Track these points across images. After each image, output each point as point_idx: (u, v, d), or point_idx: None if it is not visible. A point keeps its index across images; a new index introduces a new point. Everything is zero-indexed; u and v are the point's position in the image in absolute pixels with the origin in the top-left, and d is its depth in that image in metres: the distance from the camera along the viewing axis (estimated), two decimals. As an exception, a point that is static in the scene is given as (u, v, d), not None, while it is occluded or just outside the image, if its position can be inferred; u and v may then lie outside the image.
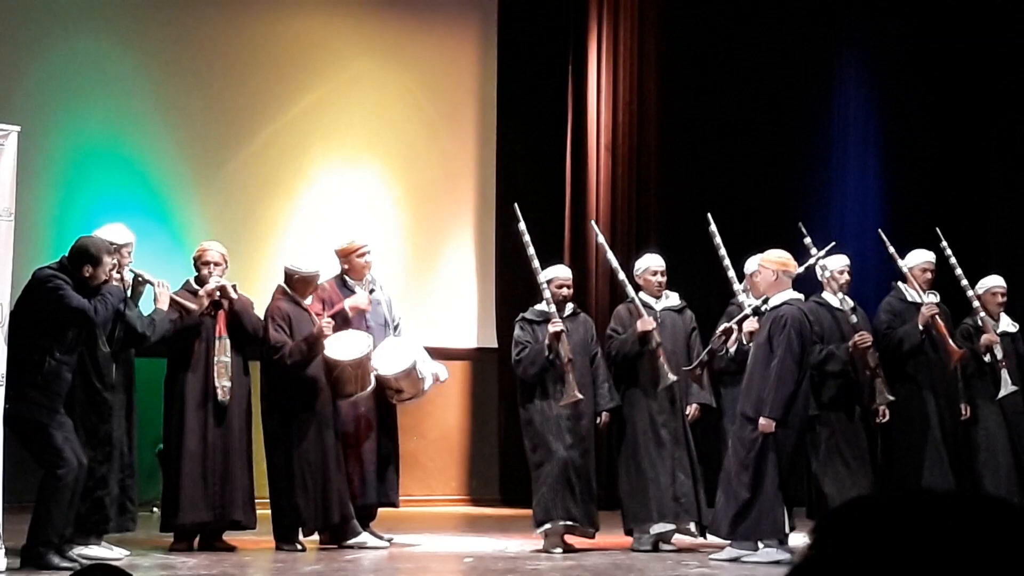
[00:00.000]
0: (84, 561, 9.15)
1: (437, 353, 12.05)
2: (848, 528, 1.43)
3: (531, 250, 11.29)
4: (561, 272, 11.57)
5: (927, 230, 12.55)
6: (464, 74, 15.30)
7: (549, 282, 11.29)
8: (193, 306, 10.77)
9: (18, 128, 9.65)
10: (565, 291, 11.35)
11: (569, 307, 11.39)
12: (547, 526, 11.02)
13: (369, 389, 11.06)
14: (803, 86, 15.43)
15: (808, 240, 11.49)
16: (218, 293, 10.86)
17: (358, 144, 14.78)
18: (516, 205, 11.56)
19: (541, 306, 11.30)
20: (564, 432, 11.06)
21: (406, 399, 11.42)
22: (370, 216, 14.44)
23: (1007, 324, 12.19)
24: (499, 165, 15.21)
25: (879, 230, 12.14)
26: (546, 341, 11.04)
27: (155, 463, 12.17)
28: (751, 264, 11.48)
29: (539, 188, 14.98)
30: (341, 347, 10.96)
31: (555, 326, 11.05)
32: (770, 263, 10.88)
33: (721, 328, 11.12)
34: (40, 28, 13.40)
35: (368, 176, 14.81)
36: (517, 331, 11.29)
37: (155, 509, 11.97)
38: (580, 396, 10.95)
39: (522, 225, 11.36)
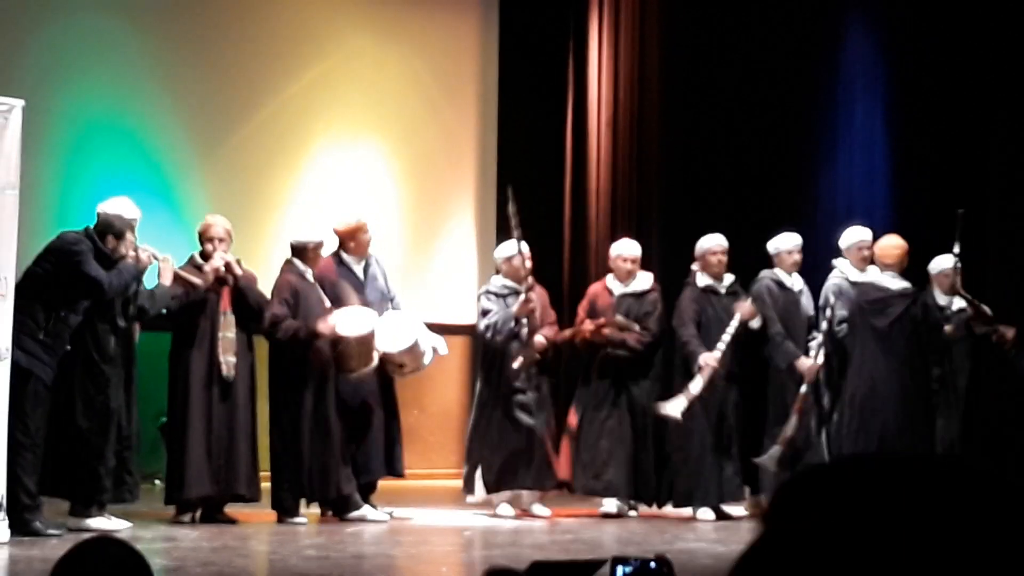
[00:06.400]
0: (86, 533, 9.20)
1: (437, 328, 12.10)
2: (802, 500, 1.37)
3: (517, 232, 11.76)
4: (523, 247, 11.95)
5: (934, 198, 12.54)
6: (465, 50, 15.30)
7: (509, 258, 11.82)
8: (199, 281, 10.81)
9: (22, 102, 9.68)
10: (527, 263, 11.77)
11: (529, 280, 11.81)
12: (503, 493, 11.62)
13: (372, 366, 11.10)
14: (807, 56, 15.35)
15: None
16: (223, 269, 10.90)
17: (360, 119, 14.78)
18: (510, 188, 11.81)
19: (502, 279, 11.86)
20: (521, 402, 11.57)
21: (408, 373, 11.49)
22: (371, 192, 14.46)
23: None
24: (500, 141, 15.23)
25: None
26: (514, 309, 11.57)
27: (158, 436, 12.21)
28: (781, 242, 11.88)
29: (540, 164, 15.01)
30: (346, 323, 11.01)
31: (531, 301, 11.62)
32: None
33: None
34: (43, 1, 13.39)
35: (370, 151, 14.82)
36: (484, 303, 11.82)
37: (157, 481, 12.01)
38: (537, 357, 11.51)
39: (512, 207, 11.67)
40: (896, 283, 11.72)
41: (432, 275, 14.85)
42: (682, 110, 15.15)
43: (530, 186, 15.02)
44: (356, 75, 14.73)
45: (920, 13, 15.04)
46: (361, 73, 14.75)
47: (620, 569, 4.14)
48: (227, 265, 10.91)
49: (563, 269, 14.64)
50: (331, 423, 11.03)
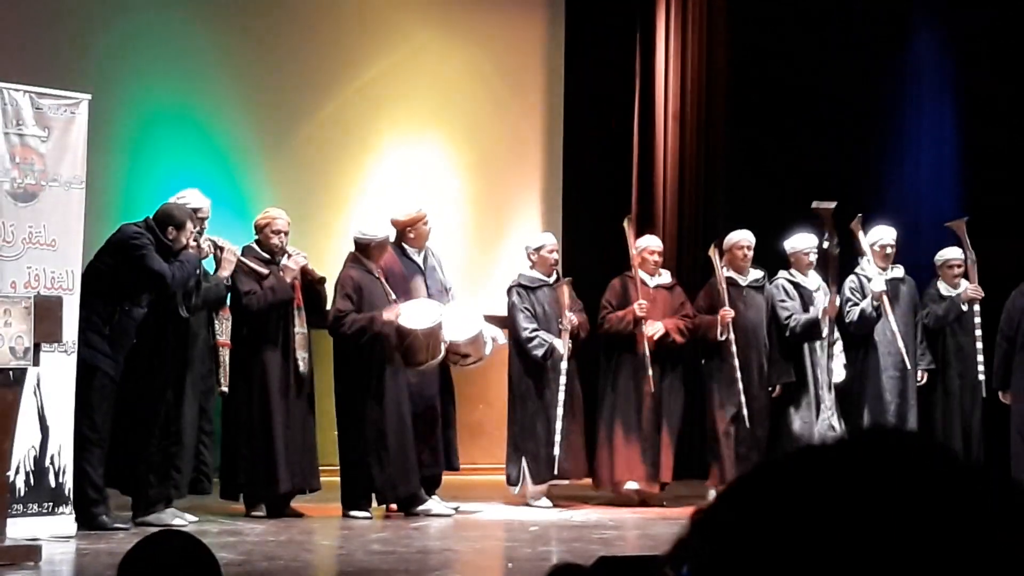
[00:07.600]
0: (152, 527, 9.21)
1: (504, 323, 12.11)
2: (747, 502, 1.30)
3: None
4: (550, 240, 12.36)
5: (1005, 193, 12.41)
6: (531, 45, 15.26)
7: (539, 249, 12.14)
8: (263, 270, 10.84)
9: (89, 96, 9.71)
10: (556, 255, 12.17)
11: (554, 274, 12.18)
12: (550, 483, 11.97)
13: (440, 357, 11.09)
14: (875, 52, 15.24)
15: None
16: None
17: (425, 115, 14.76)
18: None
19: (531, 272, 12.15)
20: (556, 392, 11.82)
21: (470, 363, 11.49)
22: (436, 187, 14.43)
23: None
24: (566, 136, 15.17)
25: None
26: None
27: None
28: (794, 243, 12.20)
29: (606, 159, 14.95)
30: (413, 316, 11.00)
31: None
32: None
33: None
34: (110, -3, 13.44)
35: (435, 147, 14.80)
36: (515, 297, 12.06)
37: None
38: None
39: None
40: None
41: (498, 269, 14.79)
42: (749, 103, 15.07)
43: (597, 181, 14.98)
44: (421, 70, 14.71)
45: (988, 7, 14.90)
46: (426, 68, 14.73)
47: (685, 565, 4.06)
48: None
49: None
50: (404, 418, 11.03)
